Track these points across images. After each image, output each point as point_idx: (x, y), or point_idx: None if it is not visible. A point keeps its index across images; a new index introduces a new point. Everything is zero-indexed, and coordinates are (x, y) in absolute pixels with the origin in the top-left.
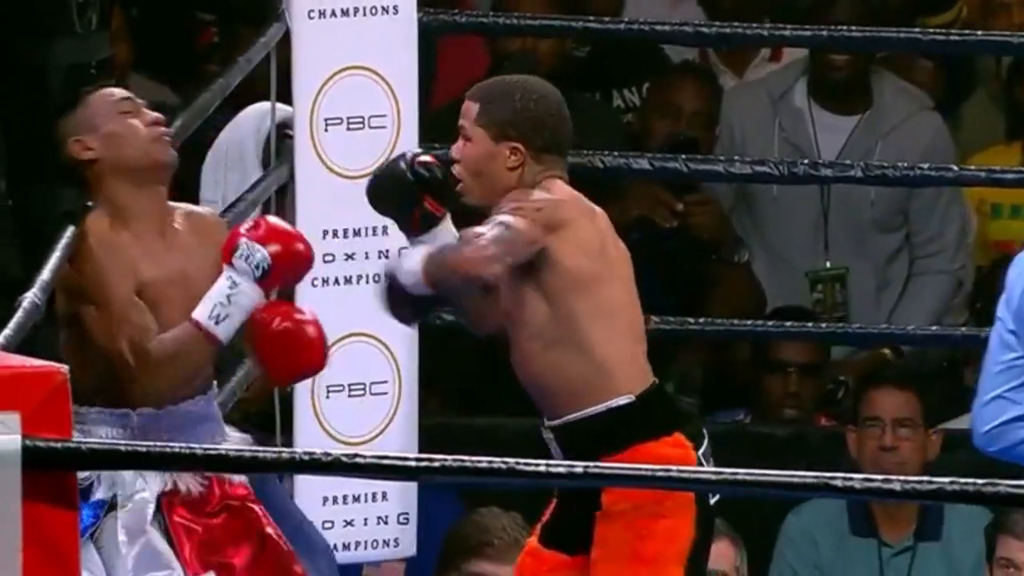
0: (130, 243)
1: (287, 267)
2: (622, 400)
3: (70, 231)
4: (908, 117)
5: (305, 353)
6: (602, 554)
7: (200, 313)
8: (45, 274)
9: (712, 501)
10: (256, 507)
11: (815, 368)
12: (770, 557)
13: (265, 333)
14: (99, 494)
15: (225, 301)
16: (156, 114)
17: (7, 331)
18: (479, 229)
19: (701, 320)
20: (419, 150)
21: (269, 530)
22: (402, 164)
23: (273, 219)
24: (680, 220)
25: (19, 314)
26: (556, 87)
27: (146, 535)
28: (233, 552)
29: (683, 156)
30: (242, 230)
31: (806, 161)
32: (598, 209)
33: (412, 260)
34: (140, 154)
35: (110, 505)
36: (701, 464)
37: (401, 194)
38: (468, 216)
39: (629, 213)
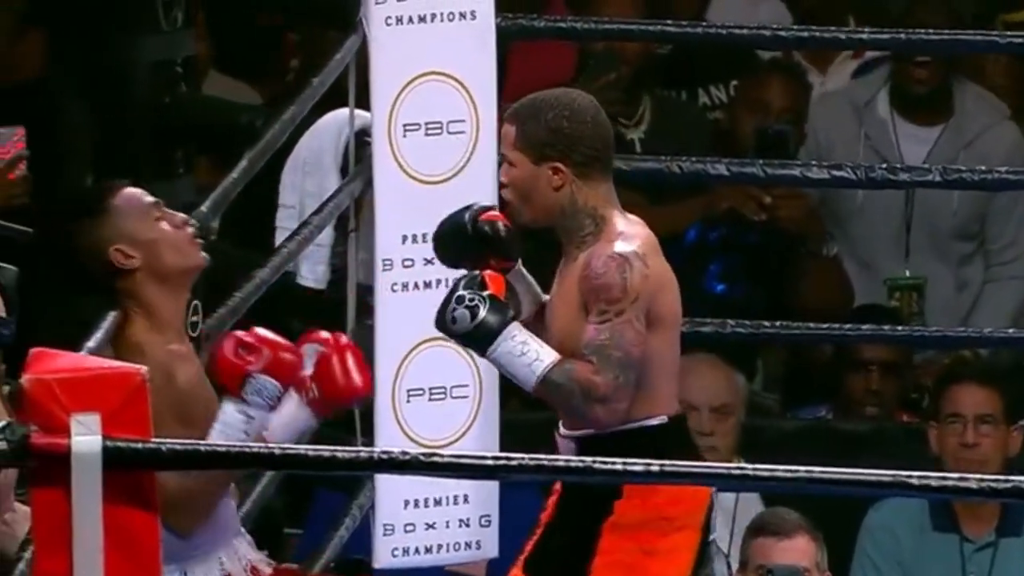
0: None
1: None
2: (654, 420)
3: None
4: (988, 127)
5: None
6: (603, 562)
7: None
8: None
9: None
10: None
11: (896, 367)
12: (850, 552)
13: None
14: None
15: (244, 438)
16: (182, 216)
17: (98, 334)
18: (594, 355)
19: (778, 323)
20: (485, 204)
21: None
22: (466, 218)
23: (258, 334)
24: (769, 213)
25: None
26: (641, 84)
27: None
28: None
29: (760, 161)
30: (250, 367)
31: (884, 166)
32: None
33: (532, 364)
34: (181, 260)
35: None
36: (712, 497)
37: (464, 251)
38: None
39: (717, 206)
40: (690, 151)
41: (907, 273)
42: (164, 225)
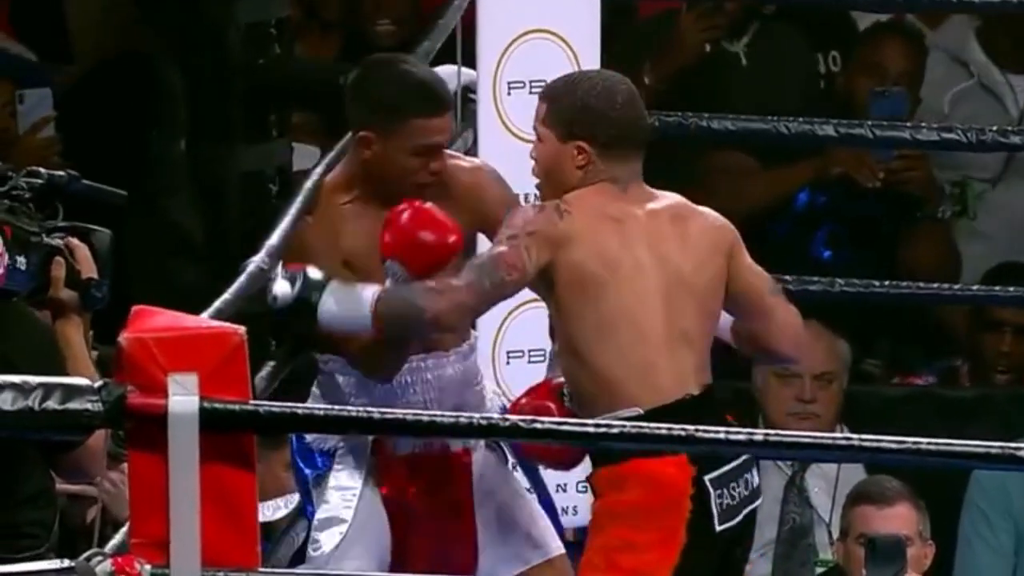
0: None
1: (432, 270)
2: (625, 412)
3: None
4: None
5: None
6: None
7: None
8: (274, 239)
9: (719, 529)
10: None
11: None
12: (955, 520)
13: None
14: (330, 443)
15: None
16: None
17: (226, 296)
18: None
19: (888, 283)
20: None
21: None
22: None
23: (408, 216)
24: (891, 176)
25: (242, 278)
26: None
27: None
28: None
29: (869, 122)
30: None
31: (995, 128)
32: (639, 212)
33: (354, 298)
34: (399, 184)
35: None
36: (702, 491)
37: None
38: None
39: (830, 170)
40: (794, 86)
41: None
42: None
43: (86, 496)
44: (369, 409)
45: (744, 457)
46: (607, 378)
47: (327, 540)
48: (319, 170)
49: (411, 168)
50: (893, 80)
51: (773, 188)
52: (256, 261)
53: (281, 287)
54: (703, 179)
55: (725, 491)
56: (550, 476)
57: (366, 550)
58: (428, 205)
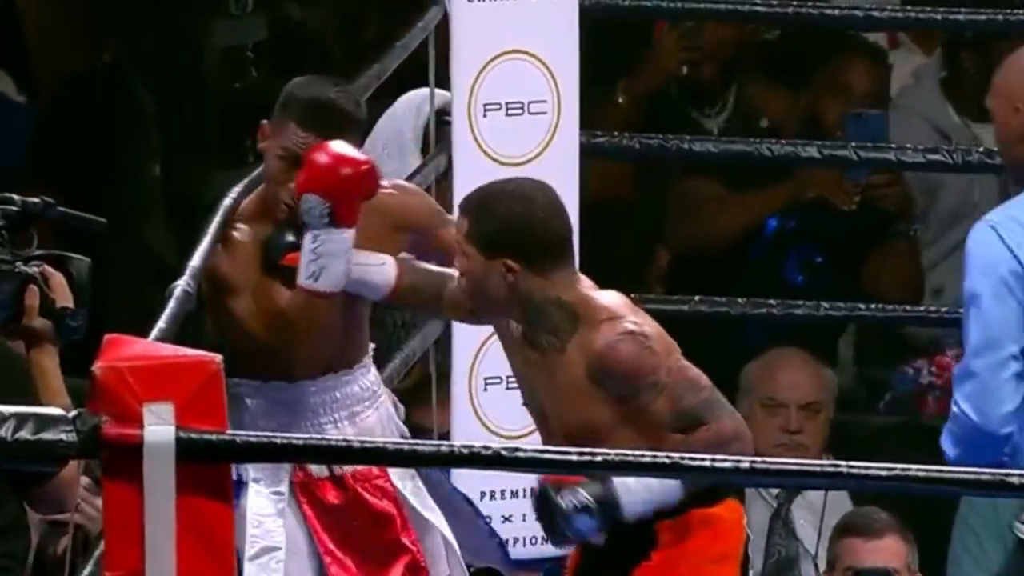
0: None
1: (350, 197)
2: None
3: (218, 218)
4: None
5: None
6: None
7: (299, 279)
8: (195, 260)
9: None
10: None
11: None
12: (944, 551)
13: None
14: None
15: (313, 256)
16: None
17: (161, 323)
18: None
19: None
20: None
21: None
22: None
23: (319, 154)
24: (868, 194)
25: (171, 304)
26: (743, 71)
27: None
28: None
29: (853, 144)
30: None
31: (981, 149)
32: None
33: (637, 496)
34: (272, 190)
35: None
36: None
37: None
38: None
39: (803, 194)
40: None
41: None
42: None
43: (57, 523)
44: (348, 439)
45: None
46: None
47: (267, 572)
48: (237, 188)
49: (274, 172)
50: (859, 102)
51: (748, 214)
52: (181, 284)
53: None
54: (675, 208)
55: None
56: (530, 505)
57: (308, 569)
58: (338, 143)
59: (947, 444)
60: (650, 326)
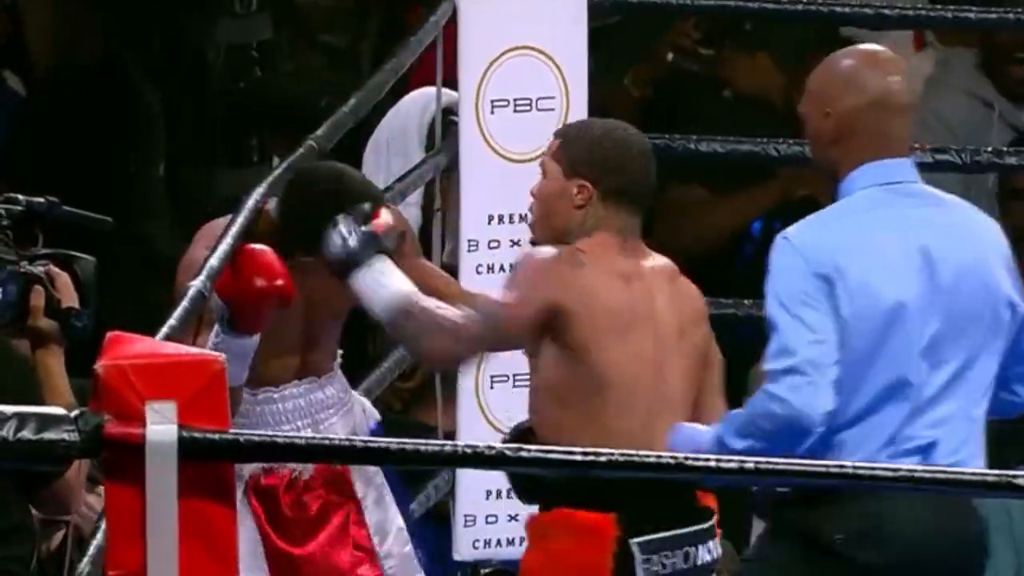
0: None
1: (253, 310)
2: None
3: (241, 218)
4: None
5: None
6: None
7: None
8: (214, 260)
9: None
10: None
11: None
12: None
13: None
14: None
15: (212, 349)
16: None
17: (172, 321)
18: (467, 314)
19: None
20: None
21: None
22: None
23: (242, 258)
24: None
25: (184, 303)
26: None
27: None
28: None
29: None
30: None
31: (990, 149)
32: (643, 271)
33: (386, 295)
34: None
35: None
36: (627, 555)
37: None
38: None
39: (793, 194)
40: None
41: None
42: None
43: (53, 521)
44: (352, 438)
45: (693, 528)
46: (583, 433)
47: None
48: (261, 189)
49: None
50: None
51: (738, 215)
52: (196, 284)
53: (341, 236)
54: (663, 213)
55: (656, 559)
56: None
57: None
58: (265, 251)
59: (735, 437)
60: (584, 273)
